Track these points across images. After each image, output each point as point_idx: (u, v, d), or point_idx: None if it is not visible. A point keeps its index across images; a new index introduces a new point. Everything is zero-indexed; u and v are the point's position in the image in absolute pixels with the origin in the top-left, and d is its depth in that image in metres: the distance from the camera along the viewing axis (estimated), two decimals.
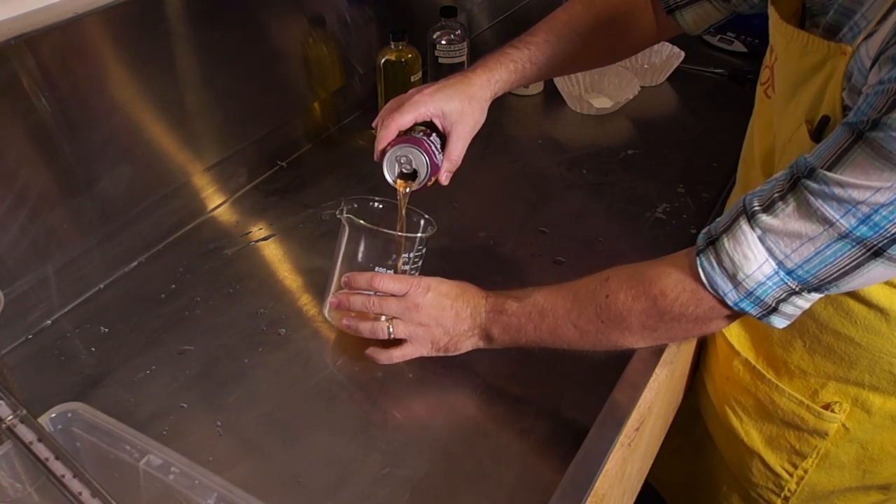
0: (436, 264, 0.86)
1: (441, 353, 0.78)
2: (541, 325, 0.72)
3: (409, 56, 1.18)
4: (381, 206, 0.84)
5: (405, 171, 0.79)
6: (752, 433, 0.86)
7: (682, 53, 1.35)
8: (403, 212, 0.81)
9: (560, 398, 0.77)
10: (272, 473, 0.70)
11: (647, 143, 1.19)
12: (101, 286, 0.91)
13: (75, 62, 0.82)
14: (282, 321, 0.86)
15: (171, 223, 0.98)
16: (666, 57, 1.36)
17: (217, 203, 1.05)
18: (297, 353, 0.82)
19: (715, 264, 0.63)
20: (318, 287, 0.90)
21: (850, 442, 0.80)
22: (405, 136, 0.79)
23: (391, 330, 0.77)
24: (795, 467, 0.84)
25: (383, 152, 0.79)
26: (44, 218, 0.83)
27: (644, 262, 0.71)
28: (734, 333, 0.85)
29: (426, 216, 0.82)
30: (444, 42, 1.24)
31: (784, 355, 0.81)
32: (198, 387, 0.78)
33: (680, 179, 1.10)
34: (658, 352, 0.78)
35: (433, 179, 0.80)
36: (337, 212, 0.80)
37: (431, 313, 0.76)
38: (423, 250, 0.82)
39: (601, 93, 1.30)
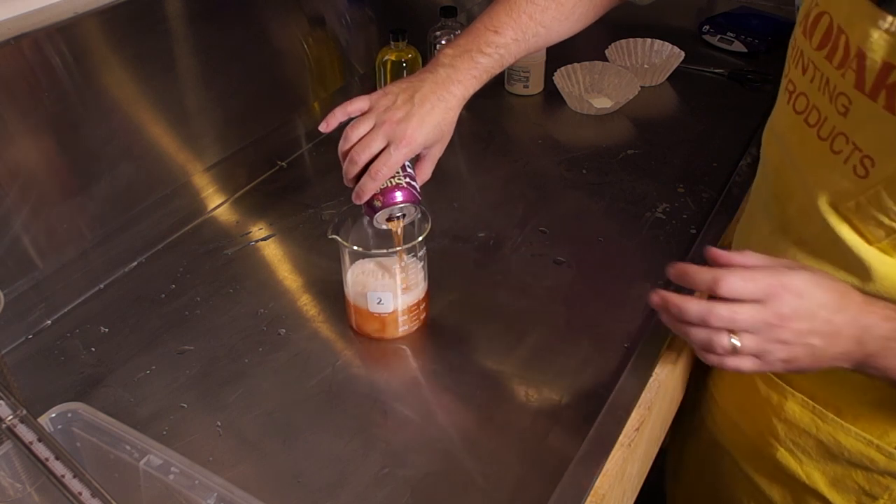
0: (436, 264, 0.86)
1: (788, 371, 0.65)
2: None
3: (409, 56, 1.18)
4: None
5: (396, 217, 0.78)
6: (813, 474, 0.77)
7: (682, 53, 1.35)
8: (401, 247, 0.79)
9: (560, 398, 0.77)
10: (272, 473, 0.70)
11: (647, 143, 1.19)
12: (101, 286, 0.91)
13: (75, 62, 0.82)
14: (282, 321, 0.86)
15: (171, 223, 0.98)
16: (666, 57, 1.36)
17: (217, 203, 1.05)
18: (297, 353, 0.82)
19: None
20: (318, 287, 0.90)
21: None
22: (390, 185, 0.75)
23: (737, 345, 0.60)
24: None
25: (370, 204, 0.76)
26: (44, 218, 0.83)
27: None
28: (787, 376, 0.77)
29: (422, 208, 0.80)
30: (444, 42, 1.24)
31: (847, 393, 0.72)
32: (198, 387, 0.78)
33: (680, 179, 1.10)
34: (658, 352, 0.79)
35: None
36: (328, 234, 0.78)
37: (800, 328, 0.59)
38: (424, 249, 0.82)
39: (601, 93, 1.30)
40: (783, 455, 0.79)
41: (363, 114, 0.78)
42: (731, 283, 0.59)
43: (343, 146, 0.77)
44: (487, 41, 0.81)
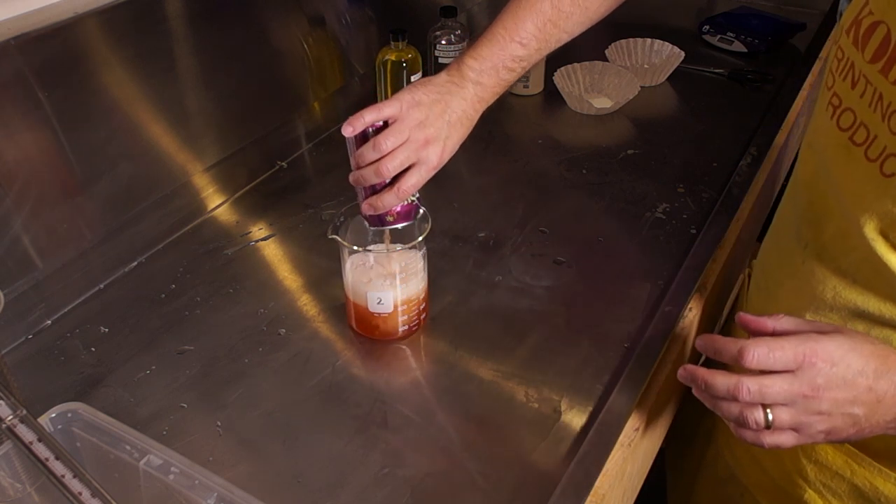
0: (436, 264, 0.86)
1: (831, 442, 0.63)
2: None
3: (409, 56, 1.18)
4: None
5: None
6: None
7: (682, 53, 1.35)
8: (400, 247, 0.80)
9: (560, 398, 0.77)
10: (272, 473, 0.70)
11: (647, 143, 1.19)
12: (101, 286, 0.91)
13: (75, 62, 0.82)
14: (282, 321, 0.86)
15: (171, 223, 0.98)
16: (666, 57, 1.36)
17: (217, 203, 1.05)
18: (297, 353, 0.82)
19: None
20: (318, 287, 0.90)
21: None
22: (404, 202, 0.76)
23: (770, 420, 0.57)
24: None
25: (381, 217, 0.76)
26: (44, 218, 0.83)
27: None
28: None
29: (422, 209, 0.80)
30: (444, 42, 1.24)
31: (884, 436, 0.66)
32: (198, 387, 0.78)
33: (680, 179, 1.10)
34: (658, 352, 0.79)
35: None
36: (328, 234, 0.78)
37: (837, 398, 0.55)
38: (424, 248, 0.82)
39: (601, 93, 1.30)
40: (811, 497, 0.75)
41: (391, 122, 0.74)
42: (757, 354, 0.55)
43: (371, 154, 0.73)
44: (513, 55, 0.78)
